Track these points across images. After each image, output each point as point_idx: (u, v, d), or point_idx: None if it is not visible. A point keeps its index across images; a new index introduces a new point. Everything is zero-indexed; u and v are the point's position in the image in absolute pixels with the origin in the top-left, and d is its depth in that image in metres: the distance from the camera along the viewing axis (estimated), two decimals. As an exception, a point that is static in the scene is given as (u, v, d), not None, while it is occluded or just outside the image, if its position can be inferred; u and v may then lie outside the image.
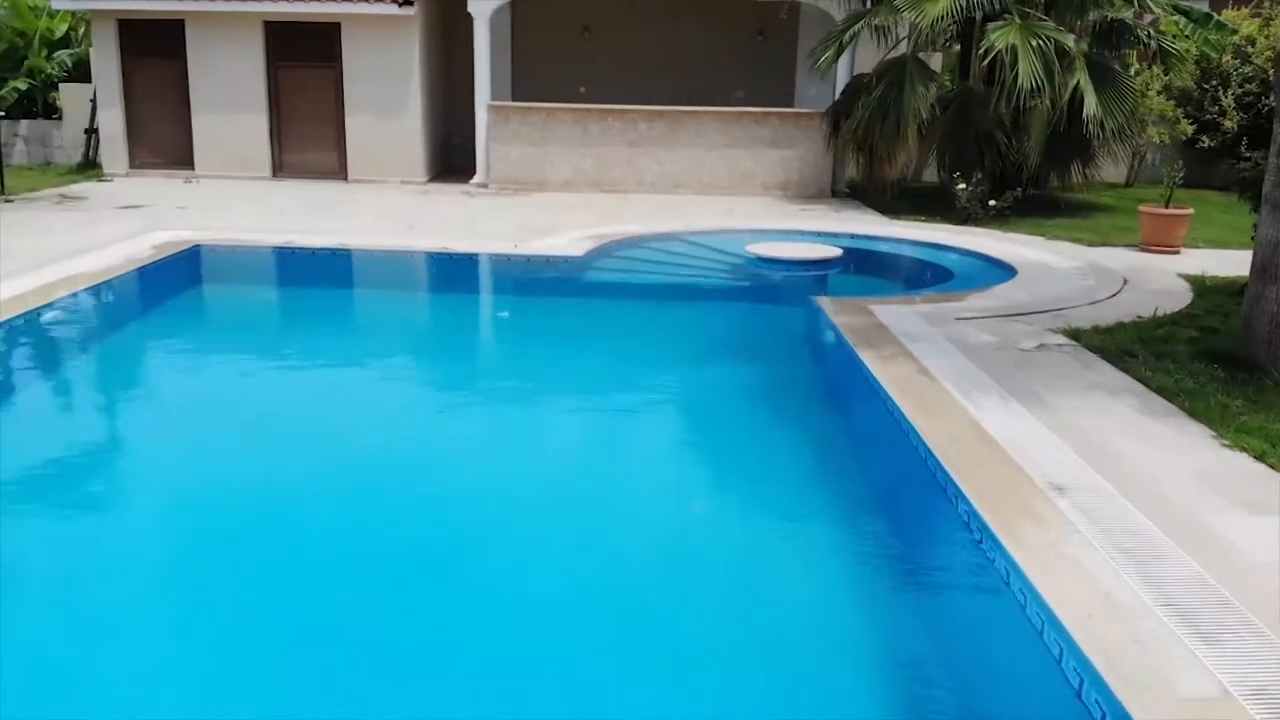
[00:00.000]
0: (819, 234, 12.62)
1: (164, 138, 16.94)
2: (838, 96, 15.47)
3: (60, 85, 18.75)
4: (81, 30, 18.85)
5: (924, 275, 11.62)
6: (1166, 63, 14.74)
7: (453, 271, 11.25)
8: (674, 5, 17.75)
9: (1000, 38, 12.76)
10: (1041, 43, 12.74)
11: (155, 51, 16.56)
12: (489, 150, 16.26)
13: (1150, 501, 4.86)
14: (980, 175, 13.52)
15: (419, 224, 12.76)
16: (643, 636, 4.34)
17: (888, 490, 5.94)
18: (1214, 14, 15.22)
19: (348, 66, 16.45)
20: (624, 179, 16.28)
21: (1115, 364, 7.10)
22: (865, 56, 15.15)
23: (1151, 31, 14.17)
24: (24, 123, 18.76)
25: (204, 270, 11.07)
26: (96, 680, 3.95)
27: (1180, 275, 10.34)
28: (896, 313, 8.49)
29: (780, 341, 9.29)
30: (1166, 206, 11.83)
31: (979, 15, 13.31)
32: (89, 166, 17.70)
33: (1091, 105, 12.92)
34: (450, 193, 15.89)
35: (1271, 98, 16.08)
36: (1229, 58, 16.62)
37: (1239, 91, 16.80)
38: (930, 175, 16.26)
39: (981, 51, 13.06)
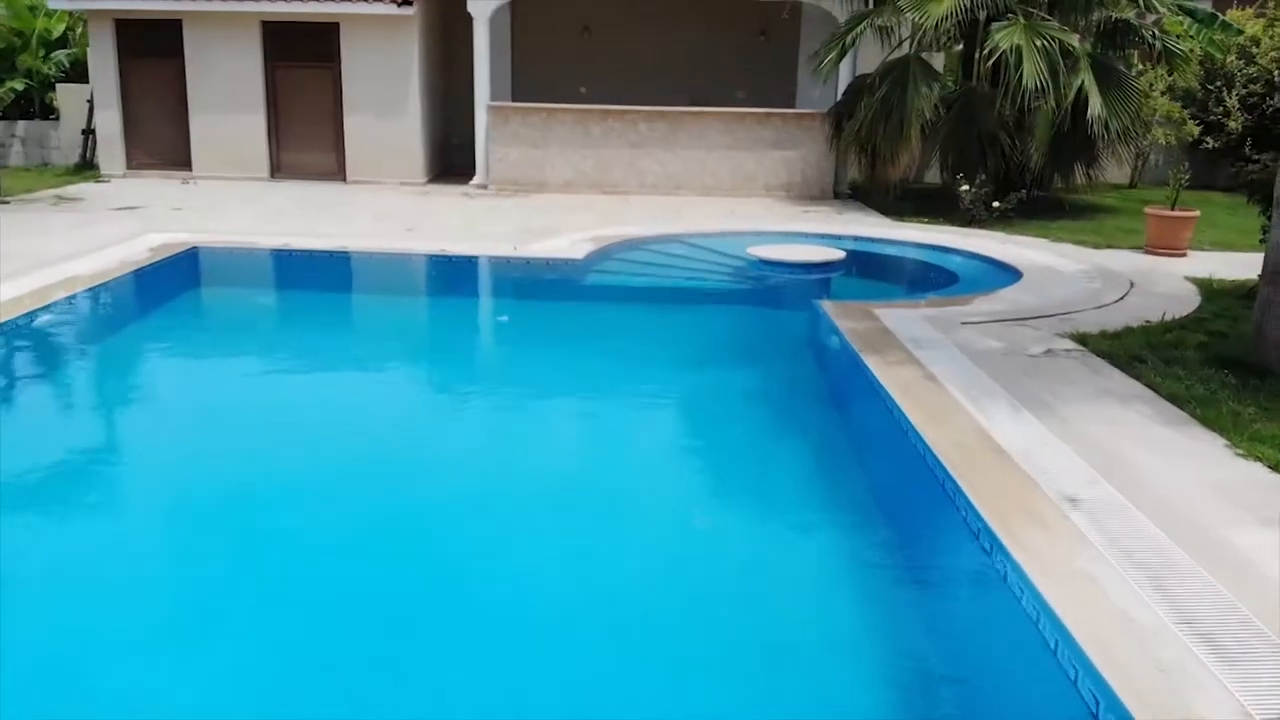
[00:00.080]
0: (821, 236, 12.51)
1: (161, 138, 16.83)
2: (840, 97, 15.36)
3: (57, 86, 18.65)
4: (79, 30, 18.73)
5: (928, 278, 11.51)
6: (1171, 63, 14.63)
7: (451, 274, 11.14)
8: (675, 5, 17.64)
9: (1005, 38, 12.65)
10: (1046, 43, 12.63)
11: (153, 51, 16.45)
12: (488, 151, 16.14)
13: (1165, 514, 4.75)
14: (984, 177, 13.41)
15: (418, 226, 12.65)
16: (651, 652, 4.25)
17: (894, 501, 5.82)
18: (1218, 14, 15.09)
19: (346, 67, 16.34)
20: (625, 180, 16.17)
21: (1124, 370, 6.99)
22: (868, 57, 15.03)
23: (1156, 32, 14.05)
24: (21, 123, 18.66)
25: (200, 273, 10.96)
26: (95, 682, 3.95)
27: (1187, 278, 10.23)
28: (901, 317, 8.38)
29: (783, 346, 9.17)
30: (1172, 208, 11.72)
31: (983, 15, 13.20)
32: (86, 167, 17.59)
33: (1096, 106, 12.81)
34: (449, 194, 15.78)
35: (1277, 99, 15.98)
36: (1233, 58, 16.50)
37: (1243, 92, 16.68)
38: (933, 176, 16.14)
39: (986, 52, 12.95)
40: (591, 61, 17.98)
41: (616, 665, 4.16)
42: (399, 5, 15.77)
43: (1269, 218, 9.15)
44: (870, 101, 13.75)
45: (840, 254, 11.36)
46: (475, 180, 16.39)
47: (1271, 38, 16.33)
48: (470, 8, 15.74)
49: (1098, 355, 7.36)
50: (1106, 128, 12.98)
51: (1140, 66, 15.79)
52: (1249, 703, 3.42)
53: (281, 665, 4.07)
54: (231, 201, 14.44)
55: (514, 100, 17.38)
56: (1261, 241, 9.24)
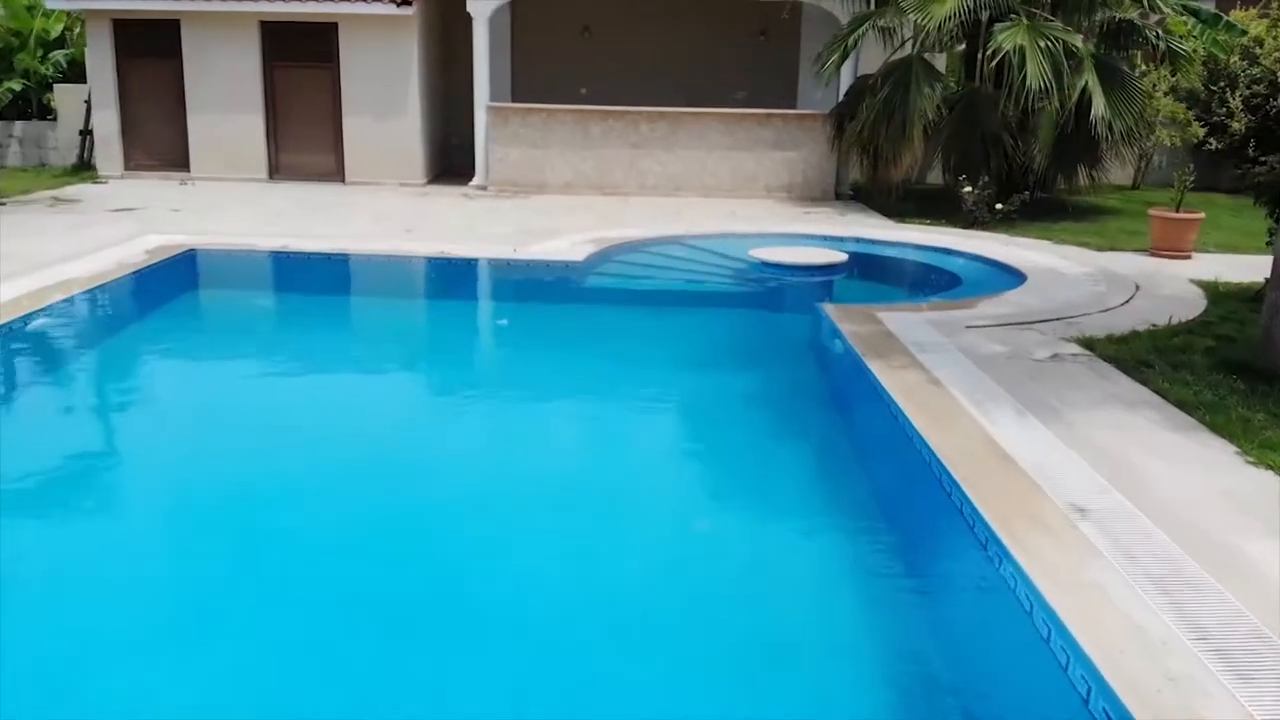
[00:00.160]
0: (824, 238, 12.42)
1: (159, 139, 16.74)
2: (842, 98, 15.27)
3: (55, 86, 18.55)
4: (76, 30, 18.64)
5: (931, 281, 11.42)
6: (1175, 64, 14.55)
7: (451, 276, 11.06)
8: (675, 5, 17.56)
9: (1008, 38, 12.57)
10: (1050, 43, 12.55)
11: (150, 52, 16.35)
12: (488, 152, 16.06)
13: (1176, 524, 4.67)
14: (987, 178, 13.32)
15: (417, 227, 12.57)
16: (653, 658, 4.19)
17: (900, 509, 5.73)
18: (1222, 14, 15.01)
19: (345, 67, 16.26)
20: (625, 181, 16.09)
21: (1131, 375, 6.91)
22: (870, 57, 14.94)
23: (1160, 32, 13.97)
24: (18, 124, 18.55)
25: (197, 275, 10.87)
26: (92, 683, 3.94)
27: (1192, 281, 10.15)
28: (905, 320, 8.29)
29: (786, 350, 9.09)
30: (1177, 210, 11.63)
31: (985, 15, 13.12)
32: (84, 168, 17.49)
33: (1100, 107, 12.73)
34: (449, 195, 15.70)
35: (1281, 99, 15.90)
36: (1236, 59, 16.41)
37: (1246, 93, 16.60)
38: (935, 177, 16.06)
39: (989, 52, 12.86)
40: (591, 62, 17.89)
41: (618, 668, 4.12)
42: (398, 5, 15.69)
43: (1276, 220, 9.10)
44: (872, 102, 13.67)
45: (842, 256, 11.27)
46: (475, 181, 16.31)
47: (1275, 38, 16.24)
48: (470, 7, 15.66)
49: (1104, 360, 7.28)
50: (1110, 129, 12.90)
51: (1143, 67, 15.71)
52: (1259, 714, 3.35)
53: (281, 667, 4.06)
54: (230, 202, 14.36)
55: (514, 101, 17.30)
56: (1268, 244, 9.18)
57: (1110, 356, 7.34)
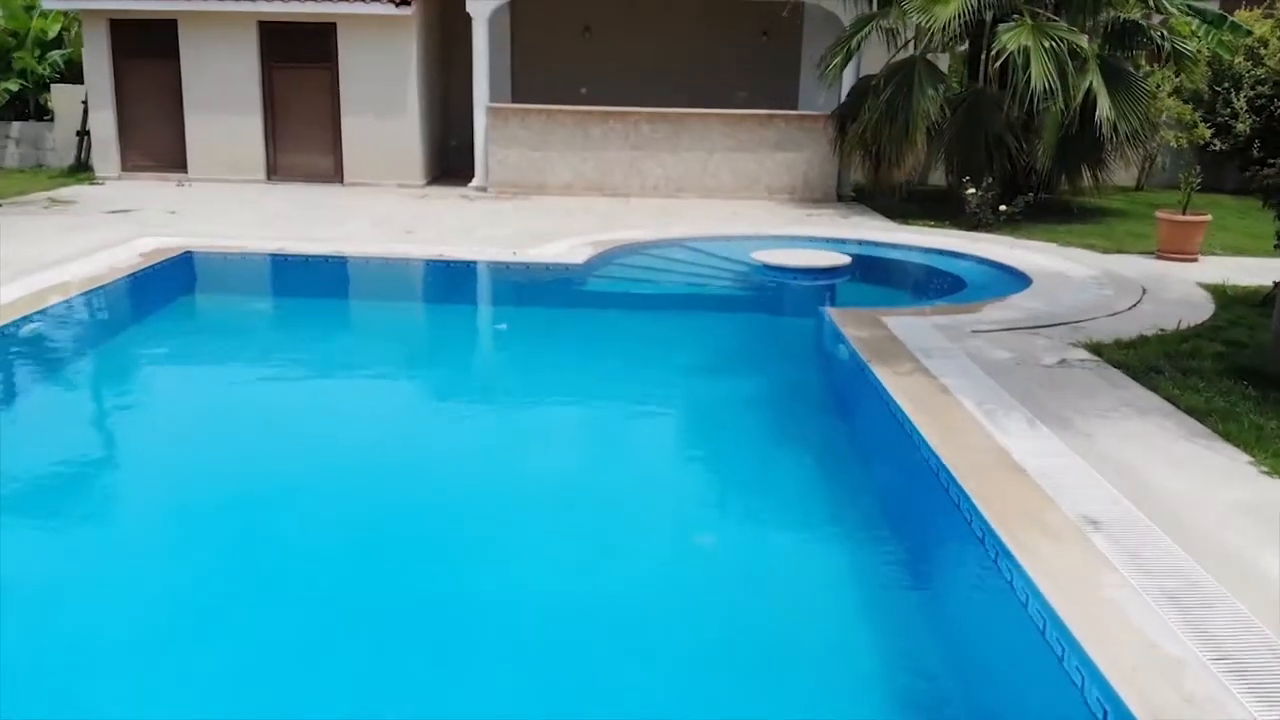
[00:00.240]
0: (826, 240, 12.30)
1: (157, 140, 16.61)
2: (844, 98, 15.15)
3: (52, 86, 18.43)
4: (74, 30, 18.52)
5: (936, 284, 11.30)
6: (1179, 64, 14.42)
7: (449, 279, 10.93)
8: (676, 4, 17.44)
9: (1012, 39, 12.45)
10: (1054, 44, 12.43)
11: (148, 52, 16.22)
12: (488, 153, 15.94)
13: (1190, 537, 4.55)
14: (990, 179, 13.20)
15: (416, 229, 12.46)
16: (656, 667, 4.12)
17: (908, 522, 5.62)
18: (1227, 15, 14.88)
19: (344, 67, 16.13)
20: (625, 183, 15.97)
21: (1141, 381, 6.79)
22: (872, 58, 14.81)
23: (1165, 33, 13.85)
24: (16, 124, 18.44)
25: (192, 278, 10.75)
26: (89, 686, 3.95)
27: (1200, 284, 10.02)
28: (910, 325, 8.18)
29: (789, 355, 8.98)
30: (1184, 212, 11.51)
31: (989, 16, 13.00)
32: (81, 169, 17.37)
33: (1105, 107, 12.61)
34: (448, 197, 15.58)
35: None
36: (1241, 59, 16.30)
37: (1251, 94, 16.50)
38: (937, 178, 15.95)
39: (994, 53, 12.74)
40: (592, 62, 17.78)
41: (620, 674, 4.08)
42: (397, 5, 15.57)
43: (1286, 223, 8.97)
44: (875, 103, 13.54)
45: (845, 259, 11.14)
46: (474, 183, 16.19)
47: (1279, 39, 16.14)
48: (469, 7, 15.54)
49: (1113, 366, 7.16)
50: (1115, 130, 12.78)
51: (1147, 68, 15.59)
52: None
53: (281, 668, 4.05)
54: (227, 204, 14.23)
55: (513, 101, 17.18)
56: (1276, 247, 9.07)
57: (1119, 362, 7.22)
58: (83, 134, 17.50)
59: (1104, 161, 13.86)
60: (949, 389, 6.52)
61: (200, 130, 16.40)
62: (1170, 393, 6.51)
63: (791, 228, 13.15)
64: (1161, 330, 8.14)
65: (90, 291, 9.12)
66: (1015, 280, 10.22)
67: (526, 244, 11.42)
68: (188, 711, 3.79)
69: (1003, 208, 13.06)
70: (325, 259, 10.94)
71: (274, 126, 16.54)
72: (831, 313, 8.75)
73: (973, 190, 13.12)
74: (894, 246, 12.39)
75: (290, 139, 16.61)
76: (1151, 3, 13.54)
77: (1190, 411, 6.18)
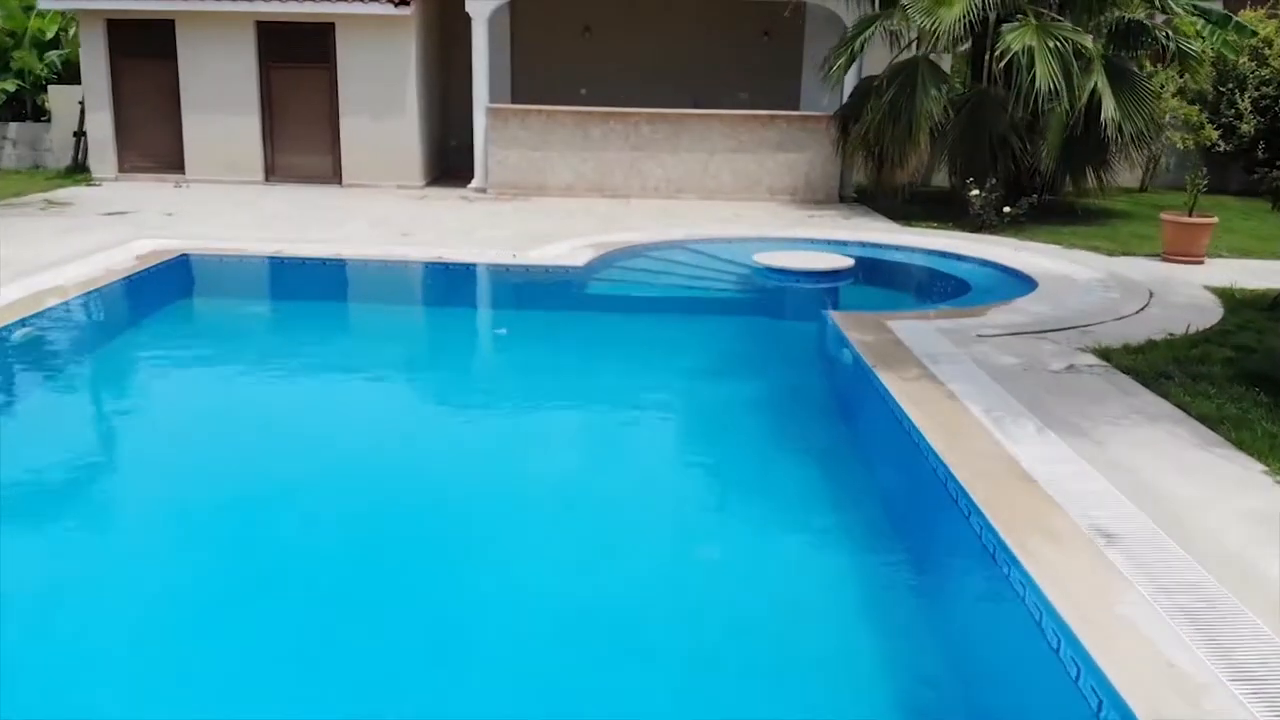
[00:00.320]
0: (829, 242, 12.18)
1: (154, 141, 16.50)
2: (846, 99, 15.04)
3: (49, 87, 18.33)
4: (71, 31, 18.41)
5: (940, 287, 11.18)
6: (1184, 64, 14.31)
7: (448, 282, 10.81)
8: (676, 4, 17.34)
9: (1016, 39, 12.34)
10: (1059, 44, 12.32)
11: (145, 52, 16.12)
12: (487, 154, 15.83)
13: (1207, 550, 4.44)
14: (994, 181, 13.09)
15: (415, 231, 12.34)
16: (660, 676, 4.05)
17: (915, 532, 5.51)
18: (1231, 15, 14.77)
19: (342, 68, 16.02)
20: (626, 184, 15.86)
21: (1151, 388, 6.68)
22: (875, 58, 14.70)
23: (1170, 33, 13.73)
24: (13, 125, 18.34)
25: (188, 281, 10.64)
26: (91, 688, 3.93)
27: (1207, 288, 9.89)
28: (915, 329, 8.06)
29: (792, 360, 8.87)
30: (1190, 214, 11.39)
31: (993, 16, 12.89)
32: (78, 170, 17.25)
33: (1110, 108, 12.50)
34: (448, 198, 15.46)
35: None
36: (1245, 60, 16.19)
37: (1255, 94, 16.39)
38: (940, 180, 15.84)
39: (998, 53, 12.62)
40: (592, 62, 17.67)
41: (623, 682, 4.03)
42: (396, 5, 15.46)
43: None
44: (877, 104, 13.43)
45: (849, 261, 11.03)
46: (474, 184, 16.08)
47: (1285, 39, 16.05)
48: (468, 7, 15.42)
49: (1122, 371, 7.04)
50: (1120, 131, 12.67)
51: (1151, 68, 15.48)
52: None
53: (281, 668, 4.05)
54: (225, 206, 14.13)
55: (513, 102, 17.07)
56: (1286, 250, 8.96)
57: (1128, 368, 7.11)
58: (80, 135, 17.39)
59: (1108, 163, 13.77)
60: (956, 395, 6.40)
61: (198, 131, 16.29)
62: (1181, 399, 6.40)
63: (793, 229, 13.04)
64: (1170, 335, 8.03)
65: (86, 294, 9.01)
66: (1020, 283, 10.10)
67: (526, 246, 11.31)
68: (188, 711, 3.77)
69: (1006, 209, 12.95)
70: (323, 261, 10.82)
71: (272, 127, 16.43)
72: (835, 316, 8.64)
73: (976, 192, 13.01)
74: (897, 249, 12.27)
75: (288, 140, 16.49)
76: (1157, 2, 13.43)
77: (1202, 419, 6.07)
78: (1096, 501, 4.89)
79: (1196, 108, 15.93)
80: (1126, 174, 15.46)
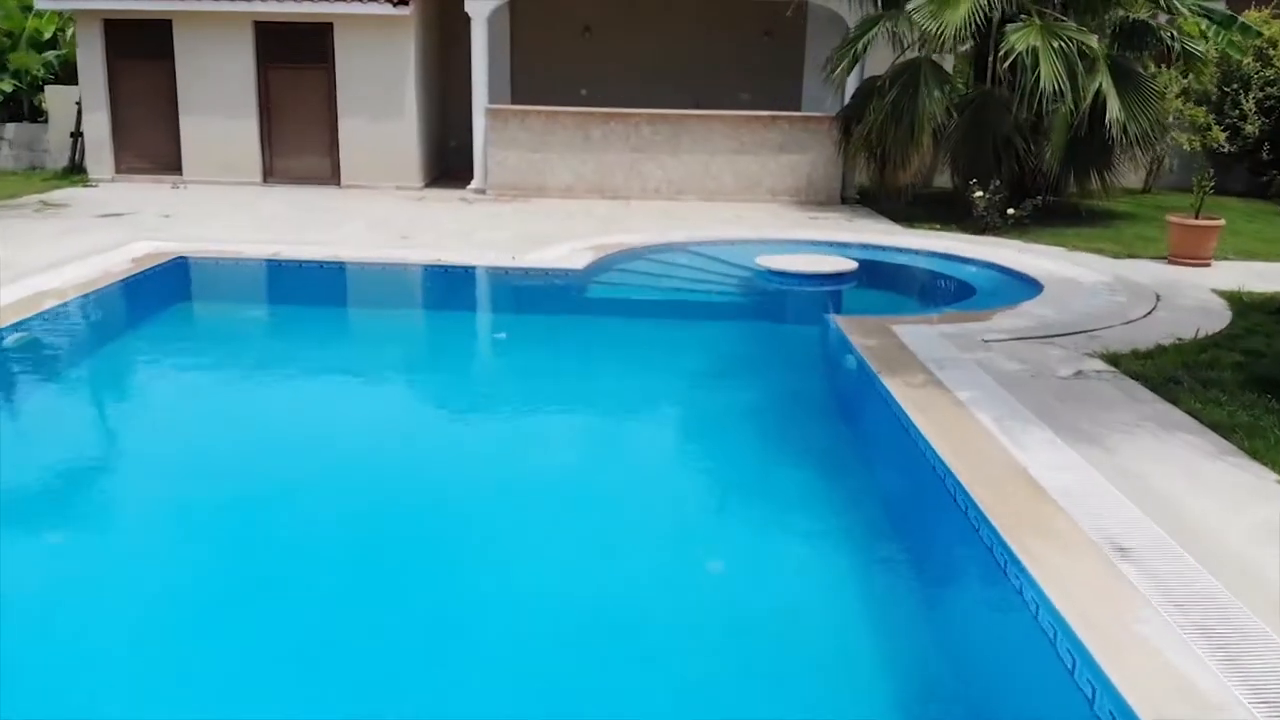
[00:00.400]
0: (831, 244, 12.08)
1: (151, 142, 16.40)
2: (849, 100, 14.93)
3: (46, 87, 18.22)
4: (69, 31, 18.30)
5: (944, 290, 11.08)
6: (1189, 65, 14.21)
7: (447, 285, 10.70)
8: (677, 4, 17.23)
9: (1020, 39, 12.24)
10: (1064, 44, 12.22)
11: (142, 53, 16.01)
12: (487, 155, 15.73)
13: (1223, 565, 4.34)
14: (998, 182, 12.98)
15: (414, 233, 12.24)
16: (663, 687, 3.98)
17: (923, 547, 5.40)
18: (1236, 15, 14.67)
19: (341, 68, 15.91)
20: (626, 185, 15.75)
21: (1160, 394, 6.57)
22: (877, 58, 14.58)
23: (1174, 34, 13.63)
24: (10, 126, 18.22)
25: (184, 285, 10.53)
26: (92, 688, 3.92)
27: (1214, 291, 9.79)
28: (920, 334, 7.96)
29: (795, 364, 8.76)
30: (1196, 216, 11.29)
31: (996, 16, 12.79)
32: (75, 171, 17.14)
33: (1115, 109, 12.39)
34: (447, 199, 15.36)
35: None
36: (1250, 60, 16.09)
37: (1260, 95, 16.29)
38: (943, 181, 15.73)
39: (1001, 54, 12.52)
40: (592, 62, 17.57)
41: (625, 688, 3.98)
42: (395, 5, 15.35)
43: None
44: (880, 104, 13.33)
45: (852, 264, 10.92)
46: (473, 185, 15.98)
47: (1288, 39, 15.95)
48: (468, 7, 15.32)
49: (1130, 377, 6.94)
50: (1125, 131, 12.56)
51: (1155, 69, 15.37)
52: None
53: (281, 668, 4.04)
54: (222, 207, 14.02)
55: (513, 102, 16.97)
56: (1295, 254, 8.85)
57: (1136, 373, 7.00)
58: (76, 135, 17.28)
59: (1113, 164, 13.65)
60: (962, 402, 6.30)
61: (195, 132, 16.19)
62: (1191, 406, 6.30)
63: (795, 231, 12.93)
64: (1179, 339, 7.93)
65: (83, 297, 8.91)
66: (1025, 286, 10.00)
67: (526, 248, 11.21)
68: (189, 712, 3.77)
69: (1010, 211, 12.84)
70: (320, 265, 10.71)
71: (270, 128, 16.33)
72: (839, 320, 8.54)
73: (980, 193, 12.91)
74: (900, 250, 12.17)
75: (286, 141, 16.39)
76: (1161, 2, 13.33)
77: (1213, 426, 5.97)
78: (1110, 514, 4.79)
79: (1202, 109, 15.82)
80: (1130, 175, 15.36)
